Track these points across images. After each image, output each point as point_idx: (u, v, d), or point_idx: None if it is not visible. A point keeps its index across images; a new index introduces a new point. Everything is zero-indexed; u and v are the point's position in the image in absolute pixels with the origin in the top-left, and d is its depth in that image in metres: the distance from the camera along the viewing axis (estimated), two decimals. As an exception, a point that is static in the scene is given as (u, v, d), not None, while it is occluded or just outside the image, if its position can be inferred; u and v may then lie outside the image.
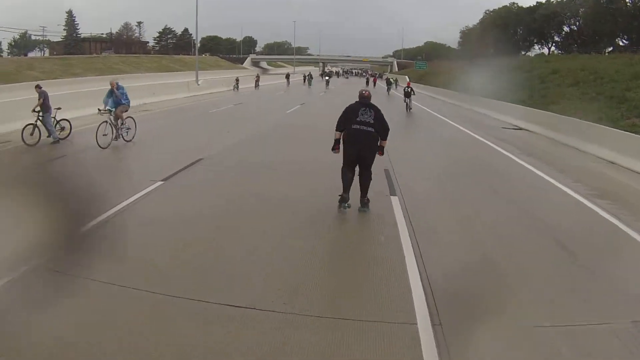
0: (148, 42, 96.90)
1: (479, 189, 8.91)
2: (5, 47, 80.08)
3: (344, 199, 7.05)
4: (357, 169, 7.09)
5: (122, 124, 11.79)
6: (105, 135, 11.06)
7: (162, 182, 8.24)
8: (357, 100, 7.22)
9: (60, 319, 3.86)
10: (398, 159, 10.92)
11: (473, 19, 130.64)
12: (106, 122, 11.28)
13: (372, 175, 7.15)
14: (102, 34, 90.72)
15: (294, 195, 7.79)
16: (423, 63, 69.26)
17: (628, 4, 49.46)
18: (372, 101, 7.24)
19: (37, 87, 11.79)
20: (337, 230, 6.49)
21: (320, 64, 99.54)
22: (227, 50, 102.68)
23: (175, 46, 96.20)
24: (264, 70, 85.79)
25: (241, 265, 5.11)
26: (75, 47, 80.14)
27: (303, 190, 8.19)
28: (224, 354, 3.52)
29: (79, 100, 16.33)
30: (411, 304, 4.33)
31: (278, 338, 3.72)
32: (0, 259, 4.69)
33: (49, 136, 11.64)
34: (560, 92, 24.62)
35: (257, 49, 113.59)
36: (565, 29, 60.58)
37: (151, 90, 24.45)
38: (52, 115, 11.72)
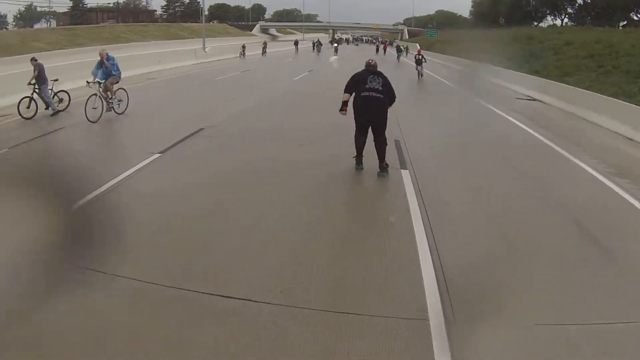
0: (156, 11, 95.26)
1: (493, 161, 8.57)
2: (10, 19, 78.99)
3: (358, 161, 7.46)
4: (369, 134, 7.32)
5: (112, 96, 11.30)
6: (95, 108, 10.60)
7: (160, 155, 7.93)
8: (364, 68, 7.42)
9: (37, 306, 3.57)
10: (409, 128, 10.65)
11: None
12: (95, 94, 10.76)
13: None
14: (109, 3, 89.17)
15: (302, 161, 7.69)
16: (434, 31, 67.68)
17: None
18: (383, 67, 7.08)
19: (33, 59, 11.46)
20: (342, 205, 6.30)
21: (330, 31, 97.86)
22: (235, 18, 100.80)
23: (183, 14, 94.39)
24: (273, 37, 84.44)
25: (242, 242, 4.93)
26: (81, 18, 78.74)
27: (312, 156, 8.08)
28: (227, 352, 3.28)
29: (83, 71, 15.73)
30: (423, 298, 4.10)
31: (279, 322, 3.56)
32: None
33: (47, 108, 11.37)
34: (575, 64, 23.88)
35: (266, 16, 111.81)
36: (579, 0, 58.84)
37: (157, 59, 24.03)
38: (49, 87, 11.41)
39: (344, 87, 7.32)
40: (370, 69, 7.35)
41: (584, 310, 3.89)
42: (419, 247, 4.80)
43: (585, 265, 4.73)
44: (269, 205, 5.91)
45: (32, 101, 11.08)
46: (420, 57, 25.09)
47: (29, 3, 79.88)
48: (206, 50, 33.20)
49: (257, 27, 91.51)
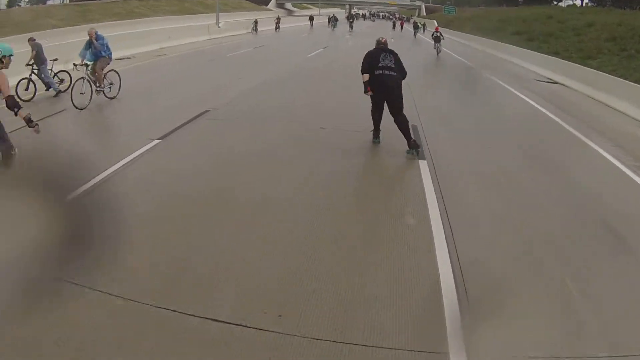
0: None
1: (516, 152, 7.98)
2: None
3: (375, 135, 7.73)
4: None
5: (102, 80, 10.15)
6: (83, 94, 9.50)
7: (159, 141, 7.34)
8: (375, 47, 7.51)
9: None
10: (427, 112, 10.24)
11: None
12: (83, 78, 9.67)
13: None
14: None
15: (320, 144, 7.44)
16: (452, 8, 66.14)
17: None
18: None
19: (31, 39, 10.89)
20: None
21: (347, 6, 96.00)
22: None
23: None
24: (290, 12, 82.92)
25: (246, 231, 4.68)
26: (94, -7, 78.01)
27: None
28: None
29: None
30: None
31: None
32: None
33: (47, 89, 10.83)
34: (596, 47, 23.12)
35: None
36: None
37: (169, 34, 23.60)
38: (48, 68, 10.84)
39: (361, 67, 7.32)
40: (381, 47, 7.44)
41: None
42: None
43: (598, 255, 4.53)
44: (274, 201, 5.45)
45: (31, 82, 10.52)
46: (438, 34, 25.03)
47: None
48: (220, 25, 32.58)
49: (273, 1, 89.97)
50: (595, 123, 10.80)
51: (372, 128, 7.69)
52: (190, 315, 3.35)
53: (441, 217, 5.10)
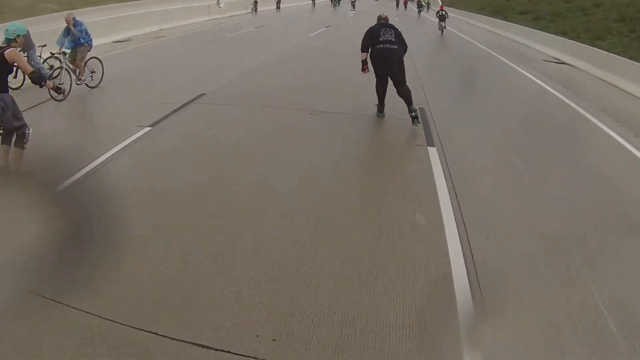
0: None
1: (529, 138, 7.46)
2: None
3: (379, 109, 8.01)
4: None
5: (82, 69, 9.55)
6: (62, 84, 8.65)
7: (150, 128, 6.95)
8: (377, 22, 7.71)
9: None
10: (434, 92, 9.96)
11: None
12: (61, 67, 9.06)
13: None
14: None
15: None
16: (457, -14, 65.30)
17: None
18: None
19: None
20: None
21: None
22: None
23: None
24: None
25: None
26: (95, -26, 76.82)
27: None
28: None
29: (94, 31, 14.95)
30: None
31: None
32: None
33: None
34: (605, 27, 22.57)
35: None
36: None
37: (169, 15, 23.11)
38: (37, 54, 10.24)
39: (361, 45, 7.58)
40: (382, 22, 7.67)
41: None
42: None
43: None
44: (270, 197, 4.99)
45: (18, 70, 10.06)
46: (443, 12, 24.72)
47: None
48: (220, 5, 31.90)
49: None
50: (607, 107, 10.27)
51: (377, 102, 7.96)
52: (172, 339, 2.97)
53: (452, 206, 4.87)
